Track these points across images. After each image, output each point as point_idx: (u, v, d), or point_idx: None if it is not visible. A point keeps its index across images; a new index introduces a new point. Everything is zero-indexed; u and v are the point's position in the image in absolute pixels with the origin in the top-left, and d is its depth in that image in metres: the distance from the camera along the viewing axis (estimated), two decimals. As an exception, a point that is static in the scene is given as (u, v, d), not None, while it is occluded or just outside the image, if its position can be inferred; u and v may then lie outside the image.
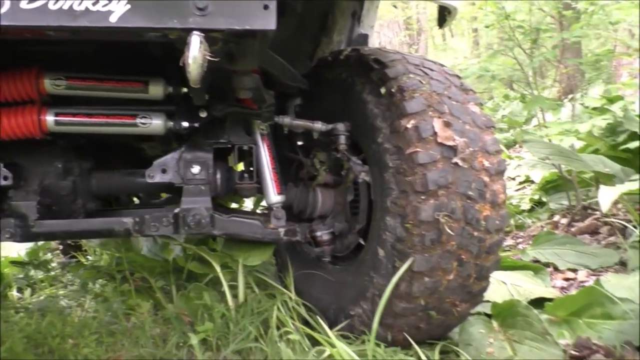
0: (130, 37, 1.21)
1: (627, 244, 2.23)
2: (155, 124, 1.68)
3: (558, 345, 1.70)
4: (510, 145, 6.71)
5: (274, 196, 1.84)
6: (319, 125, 1.83)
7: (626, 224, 2.27)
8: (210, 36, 1.11)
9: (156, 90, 1.65)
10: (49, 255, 3.41)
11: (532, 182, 4.31)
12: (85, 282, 2.52)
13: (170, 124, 1.71)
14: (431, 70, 1.70)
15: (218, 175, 1.81)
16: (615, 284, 1.75)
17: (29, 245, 3.21)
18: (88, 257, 3.28)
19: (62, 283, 2.83)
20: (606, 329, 1.70)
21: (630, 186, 1.99)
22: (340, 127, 1.78)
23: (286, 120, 1.88)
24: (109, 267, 2.32)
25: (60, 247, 3.55)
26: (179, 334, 1.76)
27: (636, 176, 2.19)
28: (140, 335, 1.85)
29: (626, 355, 1.55)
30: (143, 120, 1.67)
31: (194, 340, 1.57)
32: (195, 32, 1.08)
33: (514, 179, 4.92)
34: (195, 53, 1.08)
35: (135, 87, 1.65)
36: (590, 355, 1.60)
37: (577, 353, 1.63)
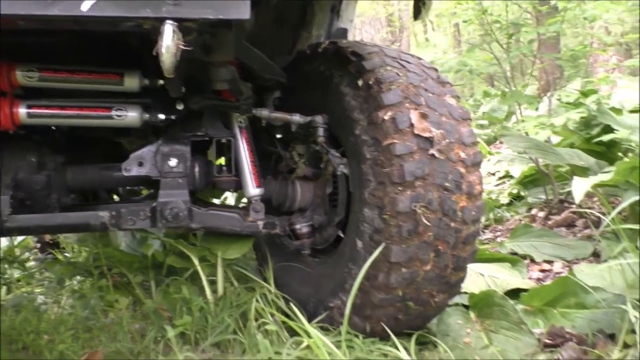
0: (103, 27, 1.19)
1: (600, 236, 2.28)
2: (131, 116, 1.66)
3: (532, 334, 1.73)
4: (490, 141, 6.78)
5: (252, 189, 1.83)
6: (297, 118, 1.83)
7: (601, 216, 2.31)
8: (183, 26, 1.10)
9: (132, 82, 1.63)
10: (26, 254, 3.36)
11: (512, 177, 4.37)
12: (62, 279, 2.48)
13: (147, 116, 1.69)
14: (408, 62, 1.71)
15: (196, 169, 1.80)
16: (588, 273, 1.79)
17: (5, 243, 3.15)
18: (66, 254, 3.23)
19: (39, 280, 2.79)
20: (579, 317, 1.74)
21: (602, 177, 2.03)
22: (319, 119, 1.78)
23: (264, 112, 1.88)
24: (86, 263, 2.29)
25: (38, 245, 3.49)
26: (157, 329, 1.75)
27: (609, 168, 2.24)
28: (117, 331, 1.83)
29: (598, 342, 1.58)
30: (118, 113, 1.65)
31: (171, 333, 1.56)
32: (168, 21, 1.07)
33: (494, 174, 4.98)
34: (169, 42, 1.07)
35: (110, 79, 1.63)
36: (563, 343, 1.63)
37: (550, 341, 1.66)
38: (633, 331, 1.41)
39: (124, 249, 2.41)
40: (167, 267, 2.21)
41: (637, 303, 1.40)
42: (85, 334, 1.84)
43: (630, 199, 1.77)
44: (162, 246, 2.30)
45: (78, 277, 2.57)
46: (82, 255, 2.88)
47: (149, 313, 1.92)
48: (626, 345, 1.47)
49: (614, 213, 1.55)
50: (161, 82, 1.67)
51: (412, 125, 1.53)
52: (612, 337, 1.61)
